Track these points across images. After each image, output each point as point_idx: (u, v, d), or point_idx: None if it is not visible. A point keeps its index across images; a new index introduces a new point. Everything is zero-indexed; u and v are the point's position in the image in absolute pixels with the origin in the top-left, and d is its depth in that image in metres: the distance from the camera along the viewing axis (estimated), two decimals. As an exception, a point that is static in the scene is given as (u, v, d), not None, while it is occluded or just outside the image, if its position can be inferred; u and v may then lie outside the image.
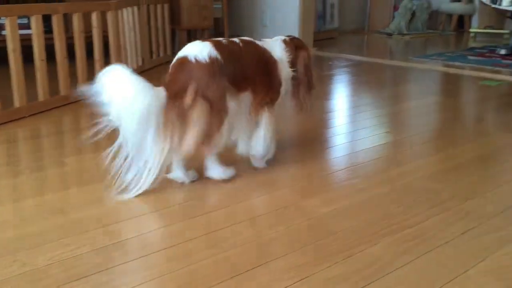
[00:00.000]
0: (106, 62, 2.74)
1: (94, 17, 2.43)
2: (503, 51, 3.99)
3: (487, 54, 4.02)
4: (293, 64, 1.58)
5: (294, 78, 1.59)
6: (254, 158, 1.55)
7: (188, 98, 1.32)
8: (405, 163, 1.62)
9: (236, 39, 1.48)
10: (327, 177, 1.50)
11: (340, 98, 2.57)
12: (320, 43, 4.77)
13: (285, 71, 1.55)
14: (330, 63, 3.69)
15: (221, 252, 1.07)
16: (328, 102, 2.47)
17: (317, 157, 1.68)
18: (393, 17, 5.71)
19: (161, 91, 1.30)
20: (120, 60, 2.70)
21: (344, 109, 2.33)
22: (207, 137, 1.35)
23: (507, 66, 3.48)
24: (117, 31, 2.65)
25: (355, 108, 2.35)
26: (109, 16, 2.57)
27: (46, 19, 2.17)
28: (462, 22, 6.13)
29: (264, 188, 1.42)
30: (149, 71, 3.25)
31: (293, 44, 1.60)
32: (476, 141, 1.86)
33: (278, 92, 1.53)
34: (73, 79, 2.56)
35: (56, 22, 2.19)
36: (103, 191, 1.36)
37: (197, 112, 1.32)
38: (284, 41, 1.60)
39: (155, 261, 1.04)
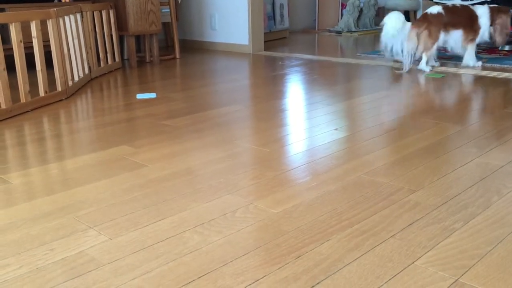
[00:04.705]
0: (50, 72, 2.65)
1: (33, 27, 2.35)
2: (446, 44, 4.13)
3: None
4: (492, 20, 3.14)
5: (493, 28, 3.15)
6: (466, 66, 3.27)
7: (422, 28, 3.11)
8: (354, 159, 1.64)
9: (457, 5, 3.17)
10: (278, 177, 1.50)
11: (292, 97, 2.58)
12: (272, 44, 4.79)
13: (483, 23, 3.14)
14: (280, 62, 3.70)
15: (167, 261, 1.05)
16: (281, 101, 2.48)
17: (269, 157, 1.68)
18: (342, 15, 5.81)
19: (409, 24, 3.15)
20: (65, 69, 2.62)
21: (296, 108, 2.35)
22: (428, 47, 3.14)
23: (450, 58, 3.60)
24: (59, 40, 2.56)
25: (306, 106, 2.37)
26: (50, 25, 2.49)
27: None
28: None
29: (214, 192, 1.40)
30: (98, 78, 3.17)
31: (496, 9, 3.15)
32: (422, 132, 1.91)
33: (477, 33, 3.16)
34: (14, 92, 2.48)
35: (-8, 33, 2.10)
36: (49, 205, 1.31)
37: (424, 35, 3.11)
38: (489, 7, 3.15)
39: (100, 276, 1.00)
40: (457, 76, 3.06)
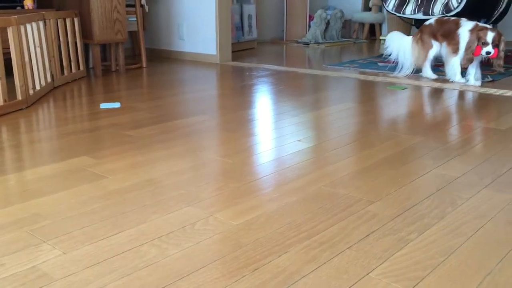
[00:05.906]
0: (10, 80, 2.59)
1: (-7, 34, 2.29)
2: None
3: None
4: (474, 36, 3.05)
5: (467, 45, 3.09)
6: (449, 78, 3.31)
7: (418, 39, 3.40)
8: (316, 170, 1.66)
9: (451, 18, 3.28)
10: (241, 188, 1.50)
11: (259, 107, 2.60)
12: (240, 54, 4.81)
13: (463, 38, 3.12)
14: (247, 73, 3.72)
15: (122, 276, 1.03)
16: (248, 111, 2.48)
17: (232, 168, 1.68)
18: (309, 27, 5.89)
19: (410, 37, 3.48)
20: (25, 78, 2.56)
21: (262, 118, 2.36)
22: (424, 56, 3.39)
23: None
24: (20, 48, 2.51)
25: (273, 117, 2.38)
26: (10, 32, 2.44)
27: None
28: (373, 30, 6.44)
29: (175, 203, 1.39)
30: (61, 87, 3.12)
31: (477, 28, 3.06)
32: (383, 144, 1.94)
33: (457, 47, 3.17)
34: (-28, 100, 2.41)
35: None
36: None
37: (419, 45, 3.39)
38: (475, 24, 3.11)
39: None
40: (419, 88, 3.14)
